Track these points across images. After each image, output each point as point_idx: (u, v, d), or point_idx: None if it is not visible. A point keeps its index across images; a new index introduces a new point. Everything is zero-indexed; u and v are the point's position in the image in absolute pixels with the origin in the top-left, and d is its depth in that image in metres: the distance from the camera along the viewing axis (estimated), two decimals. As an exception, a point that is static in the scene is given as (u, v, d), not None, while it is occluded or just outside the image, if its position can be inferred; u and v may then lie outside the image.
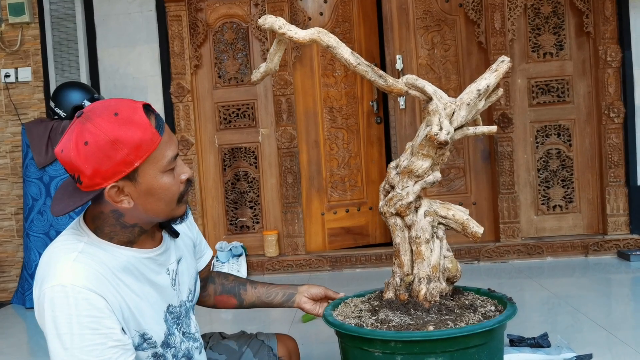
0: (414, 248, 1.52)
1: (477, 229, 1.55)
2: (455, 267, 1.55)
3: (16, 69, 4.11)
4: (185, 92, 4.08)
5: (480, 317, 1.44)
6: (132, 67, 4.13)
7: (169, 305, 1.34)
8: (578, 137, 4.03)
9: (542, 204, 4.06)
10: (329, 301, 1.67)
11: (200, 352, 1.45)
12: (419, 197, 1.54)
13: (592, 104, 4.01)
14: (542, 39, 4.01)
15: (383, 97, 4.31)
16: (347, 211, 4.26)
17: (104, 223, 1.25)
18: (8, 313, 3.68)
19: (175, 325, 1.35)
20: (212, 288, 1.67)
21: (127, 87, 4.12)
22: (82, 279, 1.15)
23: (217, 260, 3.91)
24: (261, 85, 4.12)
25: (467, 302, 1.52)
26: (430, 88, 1.51)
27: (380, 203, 1.58)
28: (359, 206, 4.29)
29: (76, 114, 1.20)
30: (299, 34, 1.45)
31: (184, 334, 1.39)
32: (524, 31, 4.02)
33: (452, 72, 4.11)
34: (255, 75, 1.54)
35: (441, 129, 1.46)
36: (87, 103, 3.58)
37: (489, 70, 1.54)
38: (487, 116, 3.93)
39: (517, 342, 2.37)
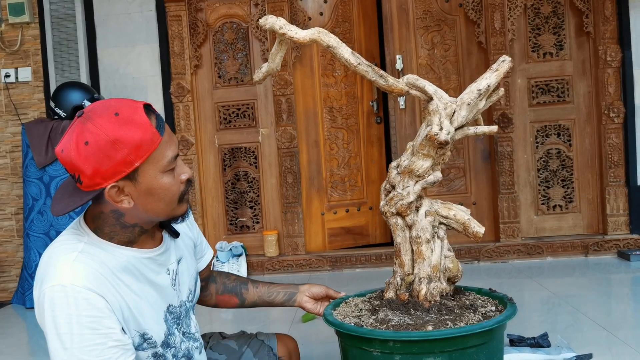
0: (414, 248, 1.52)
1: (479, 228, 1.55)
2: (456, 267, 1.55)
3: (16, 69, 4.11)
4: (185, 92, 4.08)
5: (480, 317, 1.44)
6: (132, 67, 4.13)
7: (169, 305, 1.34)
8: (578, 137, 4.03)
9: (542, 203, 4.06)
10: (330, 300, 1.67)
11: (200, 352, 1.45)
12: (420, 197, 1.54)
13: (592, 103, 4.01)
14: (542, 39, 4.01)
15: (383, 97, 4.31)
16: (347, 211, 4.26)
17: (104, 223, 1.25)
18: (8, 313, 3.68)
19: (175, 325, 1.35)
20: (213, 287, 1.67)
21: (127, 87, 4.12)
22: (82, 279, 1.15)
23: (217, 260, 3.91)
24: (261, 85, 4.12)
25: (467, 302, 1.52)
26: (430, 88, 1.51)
27: (382, 203, 1.58)
28: (359, 206, 4.29)
29: (77, 114, 1.20)
30: (300, 34, 1.45)
31: (184, 334, 1.39)
32: (523, 31, 4.02)
33: (452, 72, 4.11)
34: (258, 75, 1.54)
35: (441, 128, 1.46)
36: (87, 103, 3.58)
37: (490, 69, 1.54)
38: (487, 116, 3.93)
39: (517, 341, 2.37)
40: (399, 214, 1.54)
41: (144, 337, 1.26)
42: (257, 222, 4.21)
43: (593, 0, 3.90)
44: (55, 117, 3.66)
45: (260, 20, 1.48)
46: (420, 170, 1.52)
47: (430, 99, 1.50)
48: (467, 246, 3.93)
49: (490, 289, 1.62)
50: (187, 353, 1.38)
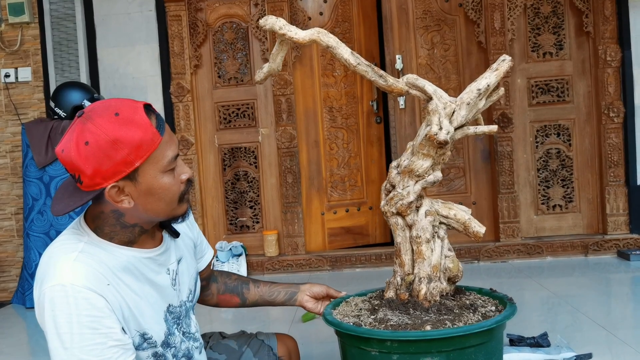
0: (414, 247, 1.52)
1: (479, 228, 1.55)
2: (457, 266, 1.55)
3: (16, 68, 4.11)
4: (185, 92, 4.09)
5: (479, 317, 1.44)
6: (131, 67, 4.13)
7: (169, 305, 1.34)
8: (578, 136, 4.03)
9: (542, 203, 4.06)
10: (331, 300, 1.67)
11: (200, 352, 1.45)
12: (420, 197, 1.54)
13: (592, 103, 4.01)
14: (541, 39, 4.01)
15: (383, 97, 4.31)
16: (347, 211, 4.26)
17: (104, 223, 1.25)
18: (8, 313, 3.68)
19: (176, 325, 1.35)
20: (214, 287, 1.67)
21: (127, 87, 4.12)
22: (82, 279, 1.15)
23: (217, 260, 3.91)
24: (261, 85, 4.12)
25: (467, 302, 1.52)
26: (430, 87, 1.51)
27: (382, 202, 1.58)
28: (359, 206, 4.29)
29: (77, 114, 1.20)
30: (299, 35, 1.46)
31: (184, 333, 1.39)
32: (523, 31, 4.02)
33: (452, 72, 4.11)
34: (259, 75, 1.54)
35: (441, 128, 1.46)
36: (87, 103, 3.58)
37: (490, 69, 1.54)
38: (487, 116, 3.93)
39: (517, 341, 2.37)
40: (399, 213, 1.54)
41: (144, 337, 1.26)
42: (257, 222, 4.21)
43: (593, 0, 3.90)
44: (55, 117, 3.66)
45: (260, 20, 1.48)
46: (420, 170, 1.52)
47: (430, 98, 1.50)
48: (467, 246, 3.93)
49: (491, 289, 1.62)
50: (187, 353, 1.39)
